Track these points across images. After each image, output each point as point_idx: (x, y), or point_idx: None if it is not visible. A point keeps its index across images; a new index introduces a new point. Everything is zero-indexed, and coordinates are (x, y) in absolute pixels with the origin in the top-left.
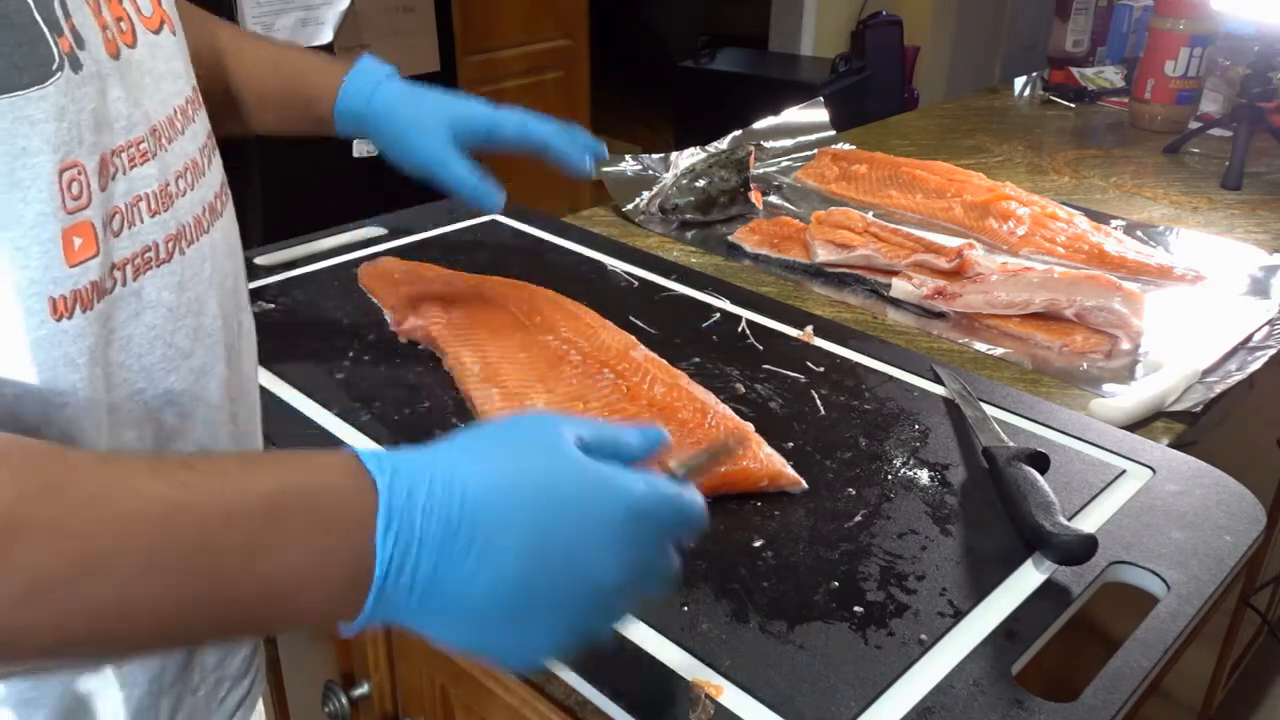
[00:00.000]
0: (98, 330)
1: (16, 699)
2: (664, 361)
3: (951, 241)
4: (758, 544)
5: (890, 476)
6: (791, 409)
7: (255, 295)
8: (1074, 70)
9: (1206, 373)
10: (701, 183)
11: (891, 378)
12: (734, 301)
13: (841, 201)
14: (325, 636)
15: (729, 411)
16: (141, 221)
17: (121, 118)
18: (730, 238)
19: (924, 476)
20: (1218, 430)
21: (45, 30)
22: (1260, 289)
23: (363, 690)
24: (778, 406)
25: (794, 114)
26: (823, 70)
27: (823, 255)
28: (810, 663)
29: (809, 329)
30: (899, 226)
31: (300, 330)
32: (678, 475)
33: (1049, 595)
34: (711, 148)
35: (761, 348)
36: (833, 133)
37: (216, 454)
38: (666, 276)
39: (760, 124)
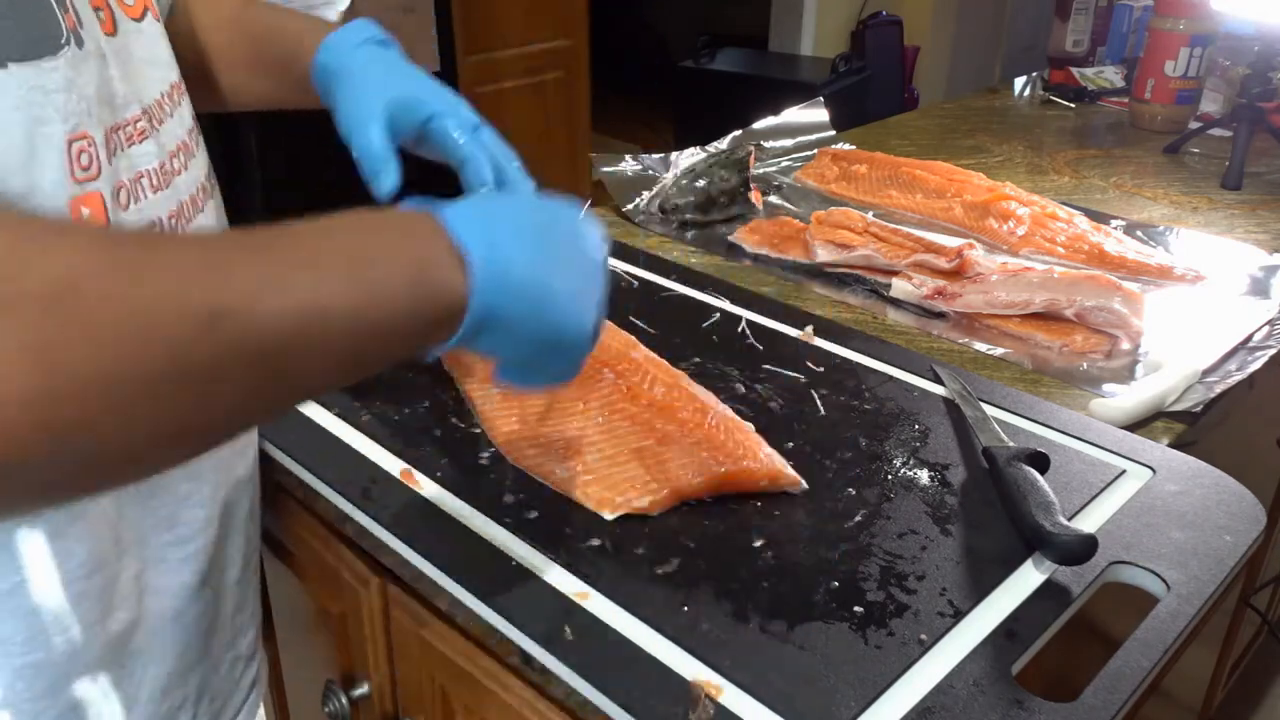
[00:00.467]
0: None
1: (40, 669)
2: (664, 361)
3: (951, 241)
4: (758, 544)
5: (890, 476)
6: (791, 409)
7: None
8: (1074, 70)
9: (1206, 373)
10: (701, 183)
11: (891, 378)
12: (734, 301)
13: (841, 201)
14: (325, 636)
15: (729, 411)
16: (146, 197)
17: (119, 95)
18: (730, 238)
19: (924, 476)
20: (1218, 430)
21: (54, 6)
22: (1260, 289)
23: (363, 690)
24: (778, 406)
25: (794, 114)
26: (823, 70)
27: (823, 255)
28: (810, 663)
29: (809, 329)
30: (899, 226)
31: None
32: None
33: (1049, 595)
34: (711, 148)
35: (761, 348)
36: (833, 133)
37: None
38: (666, 276)
39: (760, 124)
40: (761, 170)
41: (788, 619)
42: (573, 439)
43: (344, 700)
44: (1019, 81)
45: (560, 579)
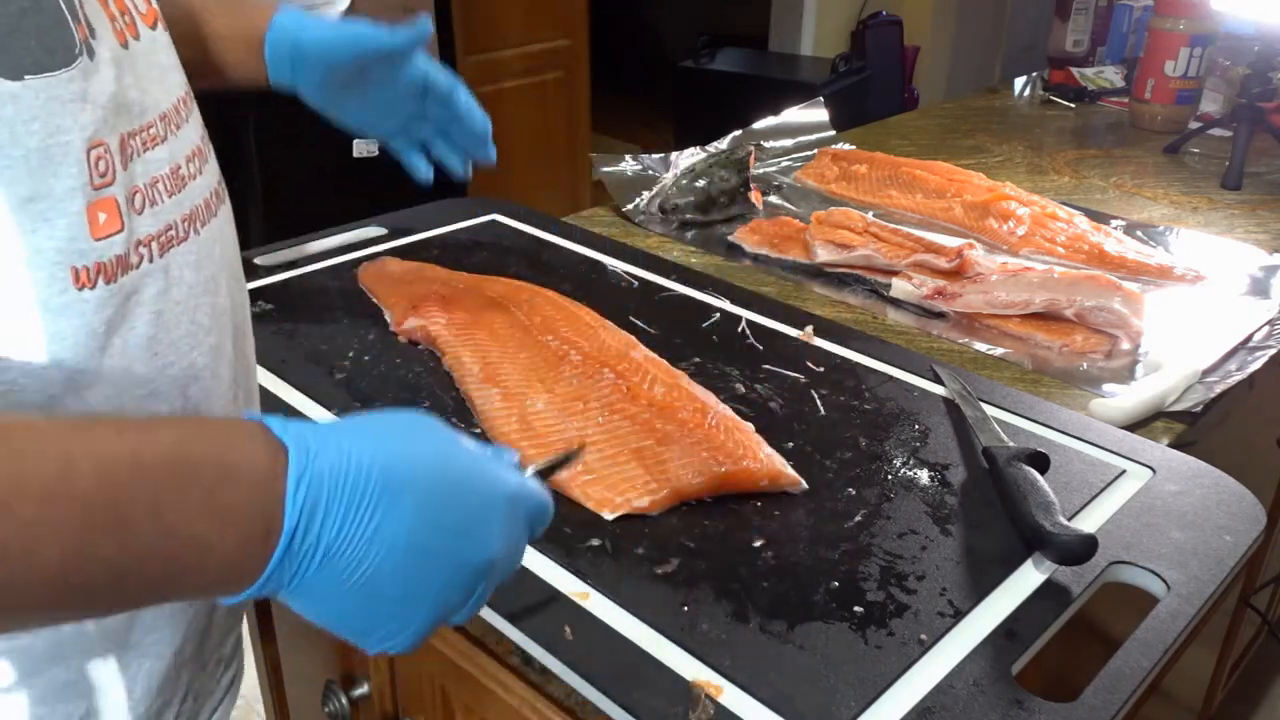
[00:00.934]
0: (118, 303)
1: (40, 660)
2: (664, 361)
3: (951, 241)
4: (758, 544)
5: (890, 476)
6: (791, 409)
7: (255, 295)
8: (1074, 70)
9: (1206, 373)
10: (701, 183)
11: (891, 378)
12: (734, 301)
13: (841, 201)
14: (325, 636)
15: (729, 411)
16: (162, 201)
17: (135, 103)
18: (730, 238)
19: (924, 476)
20: (1218, 430)
21: (68, 17)
22: (1260, 289)
23: (363, 690)
24: (778, 406)
25: (794, 114)
26: (823, 70)
27: (823, 255)
28: (810, 663)
29: (809, 329)
30: (899, 226)
31: (300, 330)
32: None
33: (1049, 595)
34: (711, 148)
35: (761, 348)
36: (833, 133)
37: (115, 414)
38: (666, 276)
39: (760, 124)
40: (761, 170)
41: (788, 619)
42: (573, 439)
43: (344, 700)
44: (1019, 81)
45: (560, 579)
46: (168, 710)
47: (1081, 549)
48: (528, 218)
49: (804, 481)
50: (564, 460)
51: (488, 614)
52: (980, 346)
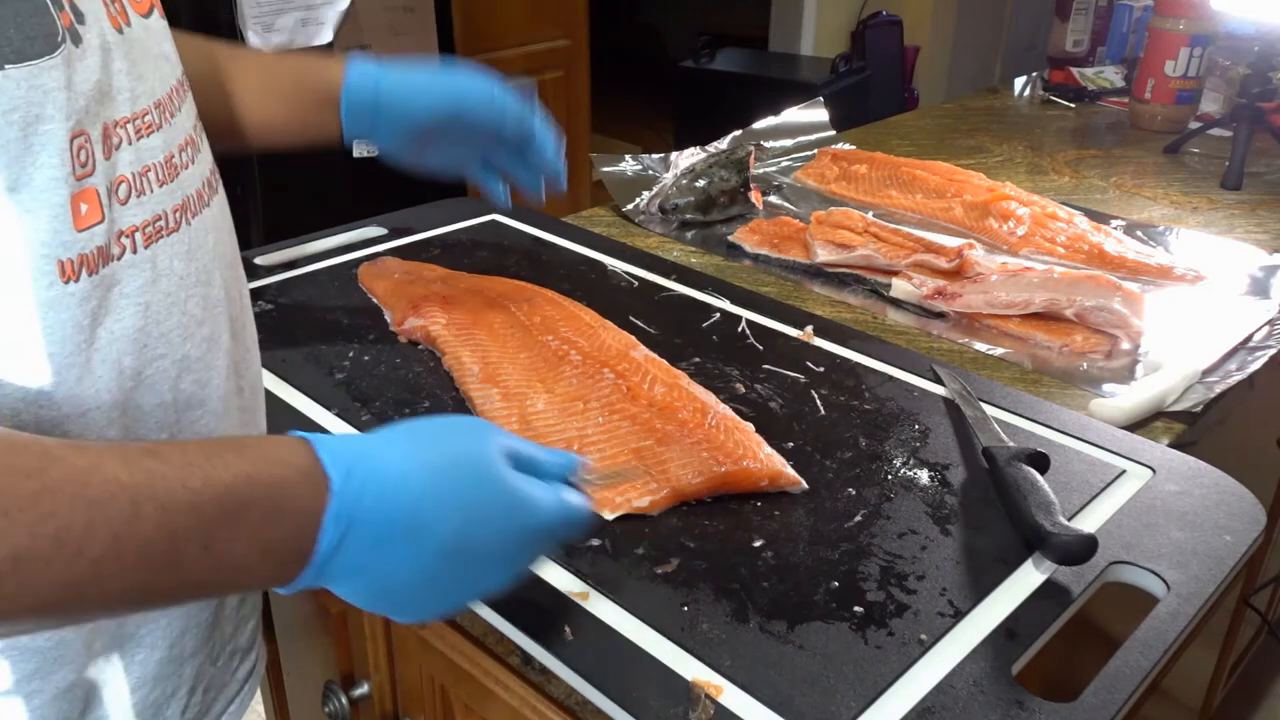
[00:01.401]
0: (101, 295)
1: (37, 654)
2: (664, 361)
3: (951, 241)
4: (758, 544)
5: (890, 476)
6: (791, 409)
7: (255, 295)
8: (1074, 70)
9: (1206, 373)
10: (701, 183)
11: (891, 378)
12: (734, 301)
13: (841, 201)
14: (325, 636)
15: (729, 411)
16: (151, 190)
17: (125, 90)
18: (730, 238)
19: (924, 476)
20: (1218, 430)
21: (49, 5)
22: (1260, 289)
23: (363, 690)
24: (778, 406)
25: (794, 114)
26: (823, 70)
27: (823, 255)
28: (810, 663)
29: (809, 329)
30: (899, 226)
31: (300, 330)
32: (581, 488)
33: (1049, 595)
34: (711, 148)
35: (761, 348)
36: (833, 133)
37: (182, 443)
38: (666, 276)
39: (760, 124)
40: (761, 170)
41: (788, 619)
42: (573, 439)
43: (344, 700)
44: (1019, 81)
45: (560, 579)
46: (172, 701)
47: (1081, 549)
48: (528, 218)
49: (804, 481)
50: (618, 476)
51: (488, 614)
52: (980, 346)
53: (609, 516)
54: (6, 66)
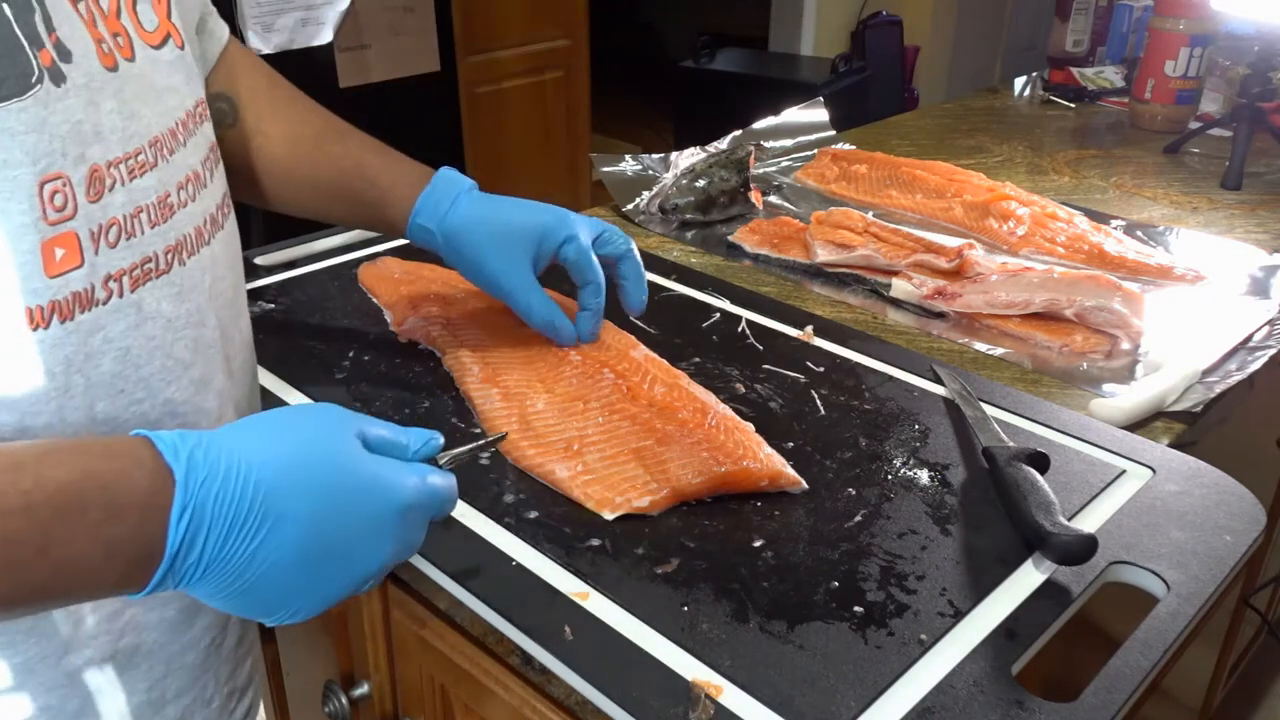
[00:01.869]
0: (77, 341)
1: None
2: (664, 361)
3: (951, 241)
4: (758, 544)
5: (890, 476)
6: (791, 409)
7: (255, 295)
8: (1074, 70)
9: (1206, 373)
10: (701, 183)
11: (891, 378)
12: (734, 301)
13: (841, 201)
14: (325, 636)
15: (729, 411)
16: (142, 232)
17: (117, 130)
18: (730, 238)
19: (924, 476)
20: (1218, 430)
21: (25, 43)
22: (1260, 289)
23: (363, 690)
24: (778, 406)
25: (794, 114)
26: (823, 70)
27: (823, 255)
28: (810, 663)
29: (809, 329)
30: (899, 226)
31: (300, 330)
32: (443, 465)
33: (1049, 595)
34: (711, 148)
35: (761, 348)
36: (833, 133)
37: (12, 445)
38: (666, 276)
39: (760, 124)
40: (761, 170)
41: (788, 619)
42: (573, 439)
43: (344, 700)
44: (1019, 81)
45: (560, 579)
46: None
47: (1081, 549)
48: None
49: (804, 481)
50: (481, 448)
51: (488, 614)
52: (980, 346)
53: (609, 516)
54: None
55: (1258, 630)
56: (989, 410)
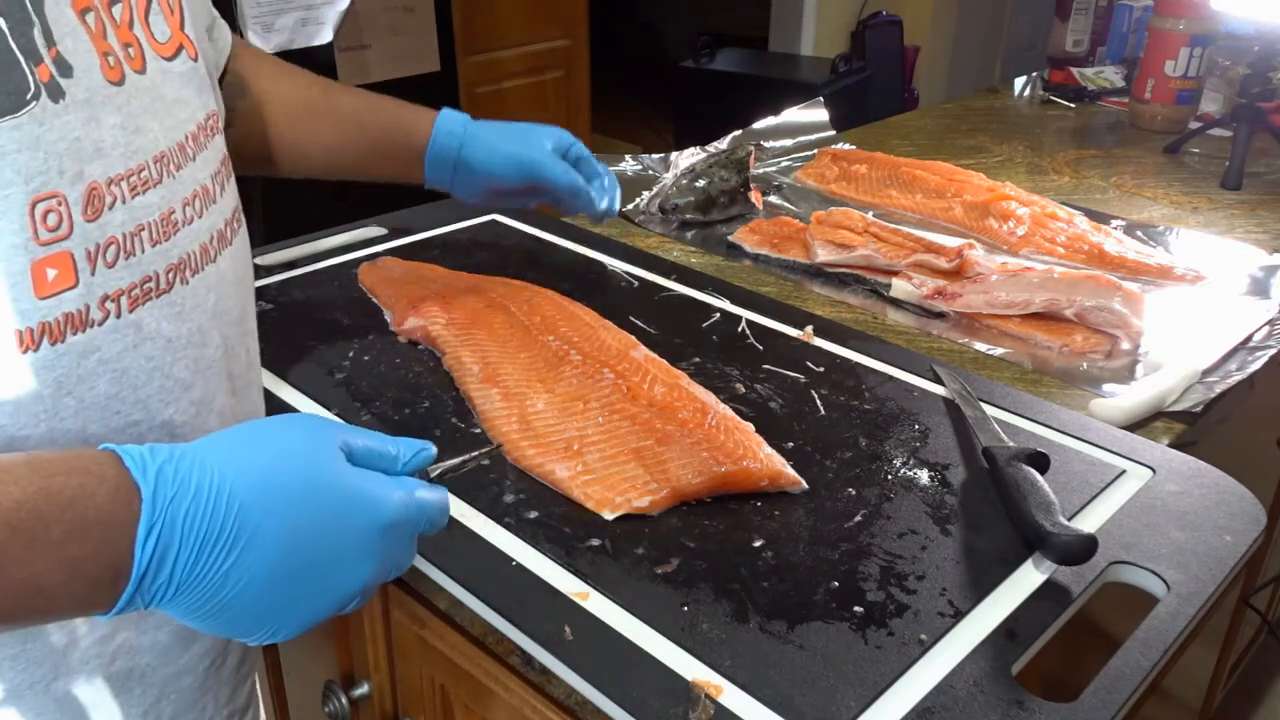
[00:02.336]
0: (69, 363)
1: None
2: (664, 361)
3: (951, 241)
4: (758, 544)
5: (890, 476)
6: (791, 409)
7: (255, 295)
8: (1074, 70)
9: (1206, 373)
10: (701, 183)
11: (891, 378)
12: (734, 301)
13: (841, 201)
14: (325, 636)
15: (729, 411)
16: (143, 251)
17: (119, 145)
18: (730, 238)
19: (924, 476)
20: (1218, 430)
21: (21, 59)
22: (1260, 289)
23: (363, 690)
24: (778, 406)
25: (794, 114)
26: (823, 70)
27: (823, 255)
28: (810, 663)
29: (809, 329)
30: (899, 226)
31: (300, 330)
32: (433, 478)
33: (1049, 595)
34: (711, 148)
35: (761, 348)
36: (833, 133)
37: None
38: (666, 276)
39: (760, 124)
40: (761, 170)
41: (788, 619)
42: (573, 439)
43: (344, 700)
44: (1019, 81)
45: (560, 579)
46: None
47: (1081, 549)
48: (527, 218)
49: (804, 481)
50: (474, 459)
51: (488, 614)
52: (980, 346)
53: (609, 516)
54: None
55: (1258, 630)
56: (989, 410)
